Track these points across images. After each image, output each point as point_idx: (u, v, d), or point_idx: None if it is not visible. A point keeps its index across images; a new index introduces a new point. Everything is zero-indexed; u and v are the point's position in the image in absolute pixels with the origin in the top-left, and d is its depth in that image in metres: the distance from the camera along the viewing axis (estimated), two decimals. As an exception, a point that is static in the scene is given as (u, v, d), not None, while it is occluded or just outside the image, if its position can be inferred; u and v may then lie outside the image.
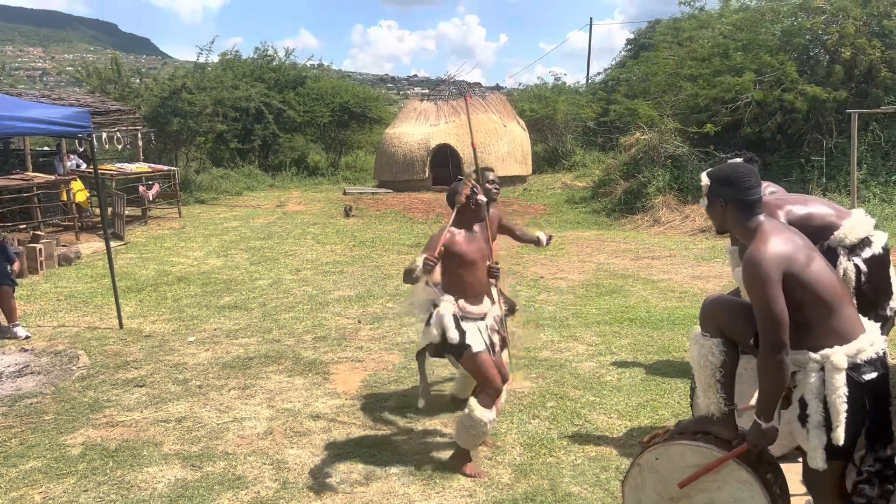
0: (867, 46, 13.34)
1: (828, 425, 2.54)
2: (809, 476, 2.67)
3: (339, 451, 4.36)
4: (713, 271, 9.54)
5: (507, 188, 19.13)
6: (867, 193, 12.68)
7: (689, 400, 4.19)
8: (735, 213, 2.68)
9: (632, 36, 30.98)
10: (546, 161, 23.02)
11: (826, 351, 2.53)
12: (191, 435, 4.64)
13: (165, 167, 16.01)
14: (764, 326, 2.51)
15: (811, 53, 15.13)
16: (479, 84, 23.01)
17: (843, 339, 2.54)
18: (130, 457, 4.33)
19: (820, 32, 14.34)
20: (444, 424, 4.70)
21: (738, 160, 4.93)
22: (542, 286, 8.74)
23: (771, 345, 2.50)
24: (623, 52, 30.36)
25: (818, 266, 2.57)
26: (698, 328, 2.99)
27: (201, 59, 21.66)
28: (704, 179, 2.76)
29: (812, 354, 2.56)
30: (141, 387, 5.53)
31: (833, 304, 2.54)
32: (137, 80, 20.82)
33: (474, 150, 4.55)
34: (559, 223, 14.11)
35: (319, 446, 4.44)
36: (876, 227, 3.96)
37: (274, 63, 25.01)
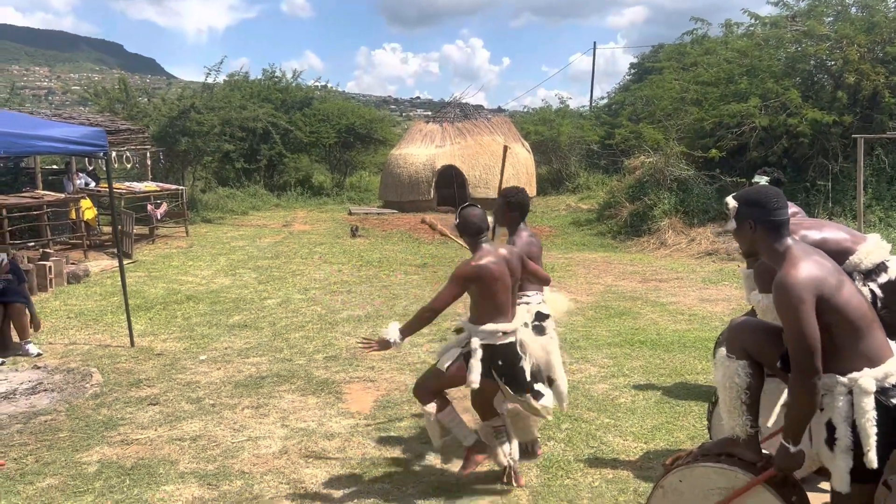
0: (871, 72, 13.46)
1: (856, 449, 2.55)
2: (837, 500, 2.67)
3: (356, 472, 4.35)
4: (721, 294, 9.56)
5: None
6: (872, 218, 12.73)
7: (707, 423, 4.18)
8: (764, 234, 2.70)
9: (635, 60, 31.28)
10: (550, 183, 23.13)
11: (854, 374, 2.55)
12: (206, 454, 4.64)
13: (173, 186, 16.10)
14: (796, 351, 2.53)
15: (815, 79, 15.26)
16: (481, 106, 23.15)
17: (872, 362, 2.55)
18: (147, 475, 4.33)
19: (824, 58, 14.48)
20: (459, 445, 4.68)
21: (765, 178, 4.98)
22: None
23: (803, 369, 2.51)
24: (627, 77, 30.59)
25: (849, 289, 2.59)
26: (724, 350, 3.01)
27: (209, 80, 21.86)
28: (732, 202, 2.78)
29: (840, 378, 2.57)
30: (154, 405, 5.53)
31: (862, 328, 2.56)
32: (146, 100, 20.97)
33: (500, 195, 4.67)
34: (565, 245, 14.15)
35: (336, 466, 4.44)
36: (892, 252, 3.97)
37: (281, 84, 25.23)
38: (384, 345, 3.81)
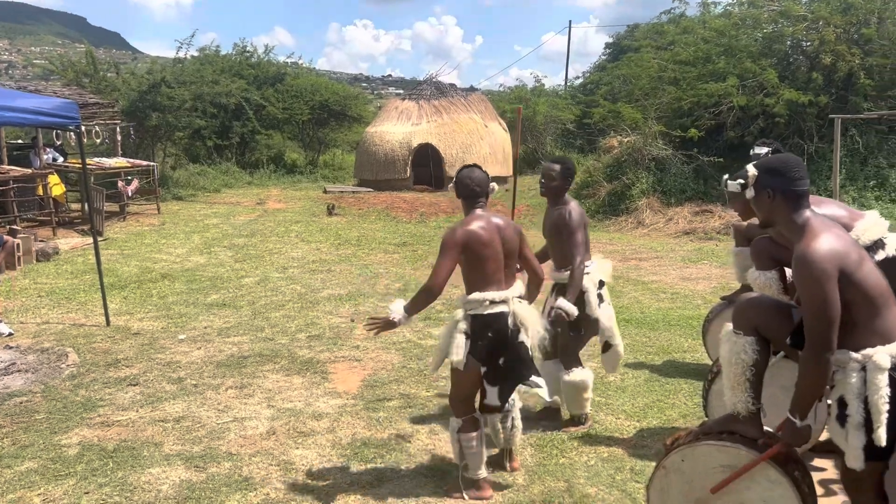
0: (847, 53, 13.56)
1: (867, 426, 2.52)
2: (848, 477, 2.66)
3: (346, 452, 4.27)
4: (701, 273, 9.60)
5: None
6: (846, 198, 12.86)
7: (703, 401, 4.16)
8: (783, 204, 2.63)
9: (611, 40, 31.23)
10: (526, 162, 23.06)
11: (868, 351, 2.51)
12: (191, 435, 4.52)
13: (145, 162, 15.72)
14: (815, 326, 2.48)
15: (791, 59, 15.34)
16: (454, 85, 22.96)
17: (886, 338, 2.52)
18: (131, 457, 4.20)
19: (801, 39, 14.55)
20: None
21: (765, 149, 4.93)
22: (534, 286, 8.70)
23: (820, 344, 2.48)
24: (602, 56, 30.54)
25: (868, 265, 2.55)
26: (730, 325, 2.96)
27: (181, 54, 21.35)
28: (752, 170, 2.70)
29: (853, 354, 2.54)
30: (134, 385, 5.38)
31: (879, 305, 2.52)
32: (114, 74, 20.41)
33: (515, 161, 4.49)
34: (541, 224, 14.09)
35: (325, 447, 4.35)
36: (890, 229, 3.97)
37: (253, 59, 24.74)
38: (389, 325, 3.55)
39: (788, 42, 15.02)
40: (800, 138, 13.93)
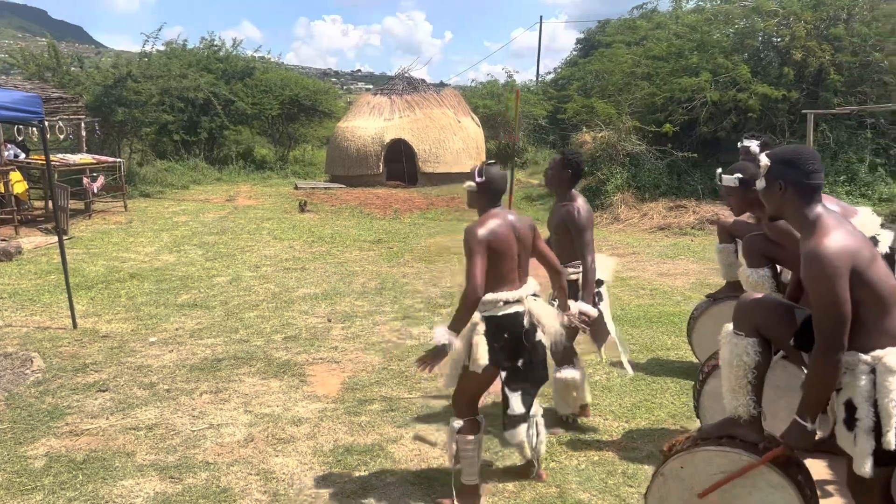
0: (817, 49, 13.66)
1: (877, 430, 2.44)
2: (856, 482, 2.58)
3: (329, 459, 4.12)
4: (679, 268, 9.58)
5: (462, 184, 19.05)
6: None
7: (694, 402, 4.07)
8: (794, 197, 2.52)
9: (582, 35, 31.26)
10: (498, 158, 22.96)
11: (878, 352, 2.43)
12: (165, 444, 4.33)
13: (111, 159, 15.30)
14: (825, 325, 2.40)
15: (762, 55, 15.44)
16: (423, 81, 22.80)
17: (895, 339, 2.44)
18: (101, 469, 4.00)
19: (772, 34, 14.64)
20: (437, 429, 4.50)
21: (755, 142, 4.87)
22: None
23: (830, 345, 2.39)
24: (574, 52, 30.57)
25: (880, 263, 2.47)
26: (730, 326, 2.87)
27: (147, 48, 20.87)
28: (764, 160, 2.59)
29: (863, 356, 2.45)
30: (104, 391, 5.16)
31: (889, 305, 2.44)
32: (78, 68, 19.87)
33: (513, 143, 4.34)
34: (519, 220, 14.02)
35: (306, 454, 4.19)
36: (883, 225, 3.92)
37: (220, 53, 24.28)
38: (441, 354, 3.30)
39: (760, 37, 15.10)
40: (772, 133, 13.99)
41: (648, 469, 3.92)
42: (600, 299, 4.42)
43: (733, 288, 5.49)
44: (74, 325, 6.75)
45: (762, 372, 2.80)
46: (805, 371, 3.63)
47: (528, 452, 3.74)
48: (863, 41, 13.71)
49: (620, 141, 14.55)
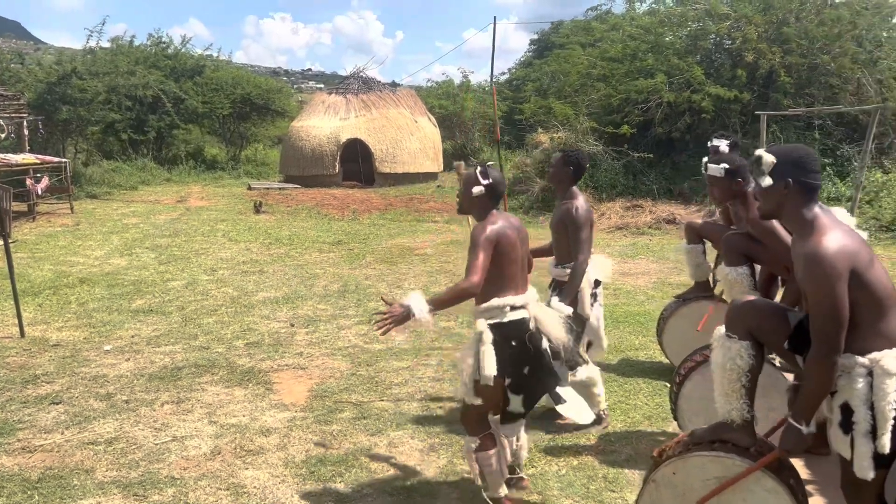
0: (768, 51, 13.94)
1: (874, 433, 2.42)
2: (850, 485, 2.55)
3: (302, 471, 3.96)
4: (639, 268, 9.64)
5: (420, 185, 18.95)
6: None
7: (671, 405, 4.04)
8: (797, 197, 2.48)
9: (536, 36, 31.43)
10: (455, 158, 22.91)
11: (875, 355, 2.41)
12: (126, 458, 4.11)
13: (55, 159, 14.76)
14: (823, 326, 2.36)
15: (715, 57, 15.70)
16: (378, 81, 22.66)
17: (892, 342, 2.42)
18: (59, 488, 3.77)
19: (724, 37, 14.90)
20: (411, 436, 4.39)
21: (724, 142, 4.88)
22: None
23: (828, 347, 2.36)
24: (528, 52, 30.72)
25: (878, 265, 2.44)
26: (722, 328, 2.83)
27: (91, 43, 20.22)
28: (769, 157, 2.52)
29: (859, 359, 2.43)
30: (57, 404, 4.90)
31: (886, 307, 2.42)
32: (19, 65, 19.13)
33: (498, 142, 4.25)
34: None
35: (278, 466, 4.03)
36: (858, 226, 3.95)
37: (169, 51, 23.71)
38: (403, 319, 3.05)
39: (712, 40, 15.35)
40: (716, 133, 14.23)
41: (629, 473, 3.89)
42: (595, 300, 4.37)
43: (702, 288, 5.51)
44: (22, 333, 6.43)
45: (756, 375, 2.76)
46: (780, 373, 3.66)
47: (509, 458, 3.64)
48: (811, 43, 14.04)
49: (578, 141, 14.61)
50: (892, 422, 2.40)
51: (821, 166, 2.58)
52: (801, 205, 2.47)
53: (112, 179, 18.26)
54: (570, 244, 4.25)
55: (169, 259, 10.05)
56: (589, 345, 4.47)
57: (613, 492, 3.69)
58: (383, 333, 3.12)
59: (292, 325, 6.85)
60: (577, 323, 4.28)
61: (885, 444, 2.41)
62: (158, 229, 12.53)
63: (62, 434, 4.44)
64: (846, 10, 13.97)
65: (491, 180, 3.31)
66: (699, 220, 5.69)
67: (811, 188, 2.46)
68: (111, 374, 5.51)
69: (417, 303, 3.07)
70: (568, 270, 4.25)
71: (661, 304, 7.40)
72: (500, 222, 3.26)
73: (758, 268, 4.30)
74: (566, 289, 4.17)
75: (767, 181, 2.50)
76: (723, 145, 5.02)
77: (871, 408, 2.42)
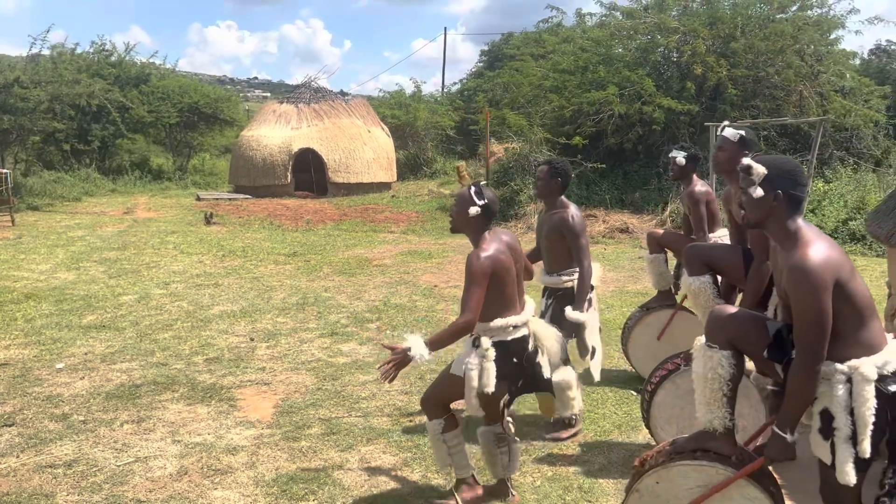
0: (715, 64, 14.33)
1: (854, 438, 2.48)
2: (831, 490, 2.61)
3: (273, 490, 3.86)
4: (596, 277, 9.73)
5: (374, 195, 18.86)
6: (718, 202, 13.57)
7: (643, 414, 4.08)
8: (784, 208, 2.52)
9: (486, 48, 31.69)
10: (408, 168, 22.93)
11: (854, 362, 2.47)
12: (88, 482, 3.95)
13: (-5, 169, 14.22)
14: (808, 336, 2.41)
15: (663, 69, 16.06)
16: (331, 90, 22.55)
17: (871, 350, 2.49)
18: (17, 515, 3.60)
19: (673, 50, 15.26)
20: (383, 450, 4.33)
21: (682, 154, 4.97)
22: (438, 295, 8.51)
23: (812, 356, 2.41)
24: (479, 63, 30.95)
25: (859, 276, 2.51)
26: (702, 338, 2.87)
27: (34, 51, 19.61)
28: (761, 168, 2.56)
29: (838, 366, 2.49)
30: (10, 426, 4.69)
31: (866, 316, 2.48)
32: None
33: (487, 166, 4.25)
34: (435, 230, 13.97)
35: (248, 485, 3.92)
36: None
37: (113, 58, 23.14)
38: (404, 361, 3.16)
39: (661, 52, 15.70)
40: (673, 145, 14.55)
41: (604, 483, 3.90)
42: (590, 305, 4.41)
43: (664, 297, 5.60)
44: (-33, 352, 6.15)
45: (736, 384, 2.80)
46: (747, 379, 3.73)
47: (500, 472, 3.66)
48: (756, 57, 14.49)
49: (532, 152, 14.76)
50: (871, 427, 2.47)
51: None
52: (786, 216, 2.52)
53: (54, 190, 17.69)
54: (565, 252, 4.37)
55: (119, 272, 9.75)
56: (593, 351, 4.50)
57: (590, 502, 3.70)
58: (390, 381, 3.20)
59: (252, 340, 6.71)
60: (572, 328, 4.33)
61: (867, 448, 2.47)
62: (106, 242, 12.17)
63: (17, 458, 4.24)
64: (789, 25, 14.47)
65: (486, 200, 3.34)
66: (660, 230, 5.78)
67: (798, 200, 2.52)
68: (66, 393, 5.30)
69: (418, 346, 3.16)
70: (562, 278, 4.36)
71: (620, 312, 7.51)
72: (492, 247, 3.31)
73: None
74: (577, 296, 4.29)
75: (759, 192, 2.54)
76: (680, 157, 5.11)
77: (852, 413, 2.49)
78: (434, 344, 3.19)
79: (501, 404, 3.50)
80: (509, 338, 3.36)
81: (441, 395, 3.52)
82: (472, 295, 3.21)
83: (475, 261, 3.24)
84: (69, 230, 13.36)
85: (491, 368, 3.29)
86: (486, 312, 3.32)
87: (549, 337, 3.51)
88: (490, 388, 3.28)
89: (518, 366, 3.38)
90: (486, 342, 3.34)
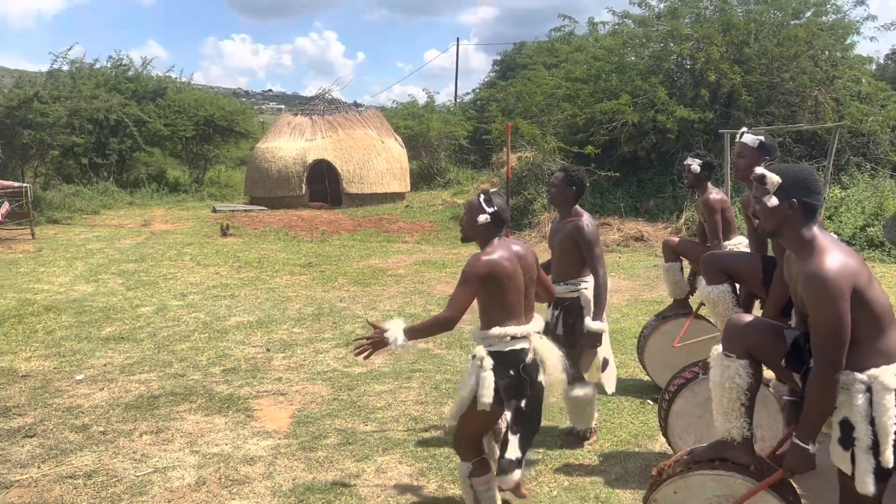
0: (729, 71, 14.28)
1: (875, 448, 2.46)
2: (851, 500, 2.59)
3: (290, 500, 3.88)
4: (612, 286, 9.64)
5: (388, 205, 18.92)
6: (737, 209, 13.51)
7: (661, 423, 4.06)
8: (800, 217, 2.52)
9: (499, 57, 31.78)
10: (421, 178, 22.99)
11: (874, 371, 2.46)
12: (107, 492, 3.99)
13: (16, 183, 14.41)
14: (826, 345, 2.40)
15: (677, 77, 16.03)
16: (345, 102, 22.67)
17: (890, 358, 2.47)
18: (38, 525, 3.64)
19: (686, 57, 15.23)
20: (399, 460, 4.34)
21: (697, 161, 4.96)
22: (453, 305, 8.51)
23: (831, 364, 2.40)
24: (492, 73, 31.03)
25: (877, 283, 2.49)
26: (719, 347, 2.86)
27: (55, 67, 19.91)
28: (776, 177, 2.55)
29: (858, 375, 2.47)
30: (31, 437, 4.74)
31: (884, 324, 2.47)
32: (-24, 88, 18.73)
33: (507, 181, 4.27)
34: (448, 240, 14.00)
35: (265, 495, 3.95)
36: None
37: (130, 73, 23.42)
38: (381, 345, 3.14)
39: (674, 60, 15.67)
40: (688, 152, 14.50)
41: (621, 493, 3.89)
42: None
43: (680, 306, 5.58)
44: (-12, 364, 6.23)
45: (754, 393, 2.79)
46: (766, 389, 3.70)
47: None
48: (770, 63, 14.42)
49: (545, 161, 14.76)
50: (893, 436, 2.45)
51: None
52: (801, 225, 2.51)
53: (73, 204, 17.89)
54: (575, 261, 4.36)
55: (137, 284, 9.84)
56: (605, 364, 4.48)
57: (607, 512, 3.69)
58: (365, 358, 3.21)
59: (268, 350, 6.75)
60: (594, 339, 4.31)
61: (889, 458, 2.45)
62: (124, 254, 12.29)
63: (38, 468, 4.29)
64: (803, 30, 14.39)
65: (496, 208, 3.28)
66: (675, 238, 5.76)
67: (813, 209, 2.51)
68: (85, 404, 5.35)
69: (396, 330, 3.16)
70: (570, 288, 4.36)
71: (636, 321, 7.48)
72: (496, 253, 3.22)
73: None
74: (596, 306, 4.27)
75: (773, 201, 2.53)
76: (694, 164, 5.10)
77: (872, 423, 2.47)
78: (411, 332, 3.18)
79: (484, 438, 3.40)
80: (507, 348, 3.21)
81: (465, 434, 3.38)
82: (458, 294, 3.16)
83: (471, 262, 3.19)
84: (88, 242, 13.50)
85: (489, 378, 3.16)
86: (485, 319, 3.23)
87: (551, 357, 3.34)
88: (487, 398, 3.14)
89: (517, 380, 3.21)
90: (480, 350, 3.24)
